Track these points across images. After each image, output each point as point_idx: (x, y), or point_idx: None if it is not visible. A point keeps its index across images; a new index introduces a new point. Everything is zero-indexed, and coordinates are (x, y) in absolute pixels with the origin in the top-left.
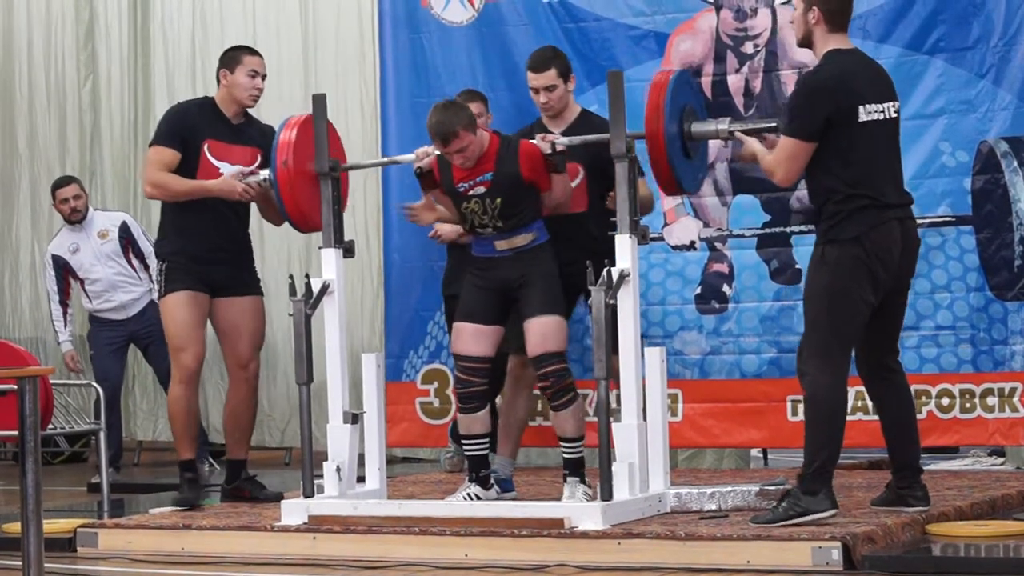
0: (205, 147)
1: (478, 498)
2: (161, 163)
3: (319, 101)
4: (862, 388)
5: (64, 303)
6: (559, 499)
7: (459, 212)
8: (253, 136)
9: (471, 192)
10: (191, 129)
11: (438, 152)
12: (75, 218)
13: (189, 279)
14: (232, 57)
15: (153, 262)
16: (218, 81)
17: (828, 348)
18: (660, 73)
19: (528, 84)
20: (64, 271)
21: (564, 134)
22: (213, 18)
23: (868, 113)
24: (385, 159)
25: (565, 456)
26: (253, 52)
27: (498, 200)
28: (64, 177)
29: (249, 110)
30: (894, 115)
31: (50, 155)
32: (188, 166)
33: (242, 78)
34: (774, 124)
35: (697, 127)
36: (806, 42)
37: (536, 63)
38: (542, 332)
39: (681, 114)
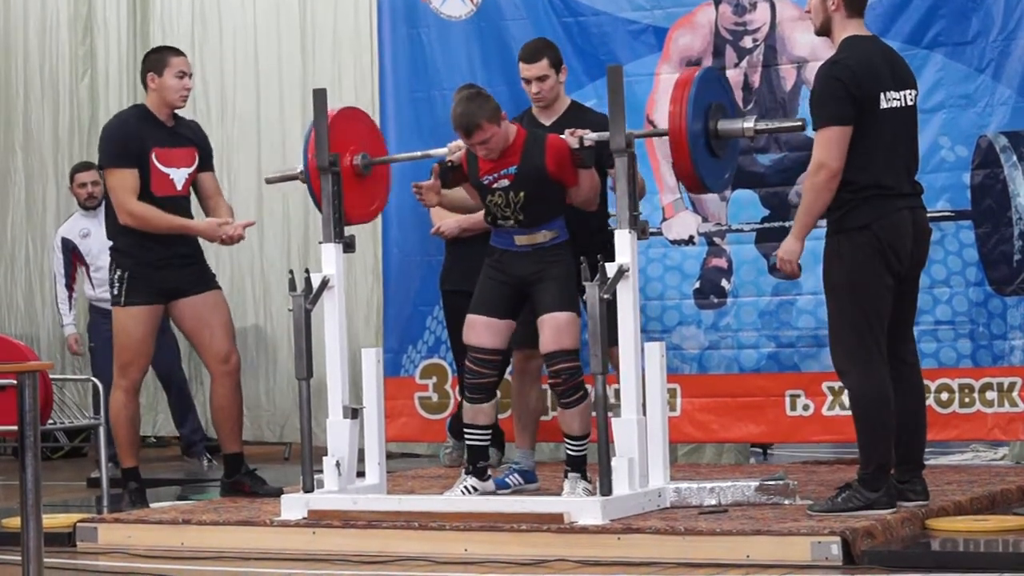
0: (153, 156)
1: (475, 490)
2: (128, 188)
3: (319, 96)
4: None
5: (70, 286)
6: (559, 494)
7: (484, 204)
8: (187, 135)
9: (495, 185)
10: (137, 141)
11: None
12: (90, 204)
13: (148, 291)
14: (158, 60)
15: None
16: (145, 86)
17: (862, 342)
18: (687, 70)
19: (520, 75)
20: (72, 255)
21: (554, 124)
22: (212, 13)
23: (888, 100)
24: (418, 153)
25: (569, 453)
26: (178, 52)
27: (521, 194)
28: (84, 162)
29: (178, 111)
30: (911, 103)
31: (45, 150)
32: (140, 178)
33: (171, 80)
34: (799, 123)
35: (723, 125)
36: (824, 30)
37: (527, 53)
38: (556, 329)
39: (707, 112)
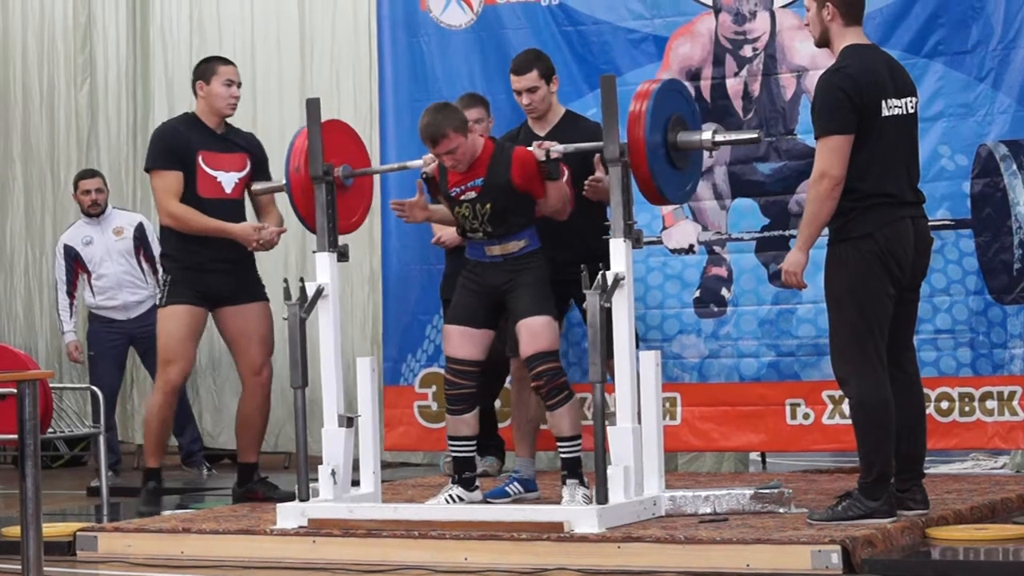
0: (199, 159)
1: (460, 499)
2: (170, 190)
3: (312, 106)
4: None
5: (71, 294)
6: (557, 502)
7: (453, 216)
8: (239, 143)
9: (462, 197)
10: (183, 145)
11: None
12: (94, 211)
13: (190, 293)
14: (207, 68)
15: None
16: (195, 93)
17: (863, 350)
18: (647, 82)
19: (511, 87)
20: (74, 262)
21: (549, 135)
22: (211, 22)
23: (890, 108)
24: (395, 164)
25: (563, 456)
26: (227, 62)
27: (488, 206)
28: (89, 169)
29: (228, 119)
30: (912, 111)
31: (43, 159)
32: (186, 180)
33: (219, 88)
34: (755, 135)
35: (683, 137)
36: (823, 40)
37: (518, 65)
38: (533, 332)
39: (667, 124)
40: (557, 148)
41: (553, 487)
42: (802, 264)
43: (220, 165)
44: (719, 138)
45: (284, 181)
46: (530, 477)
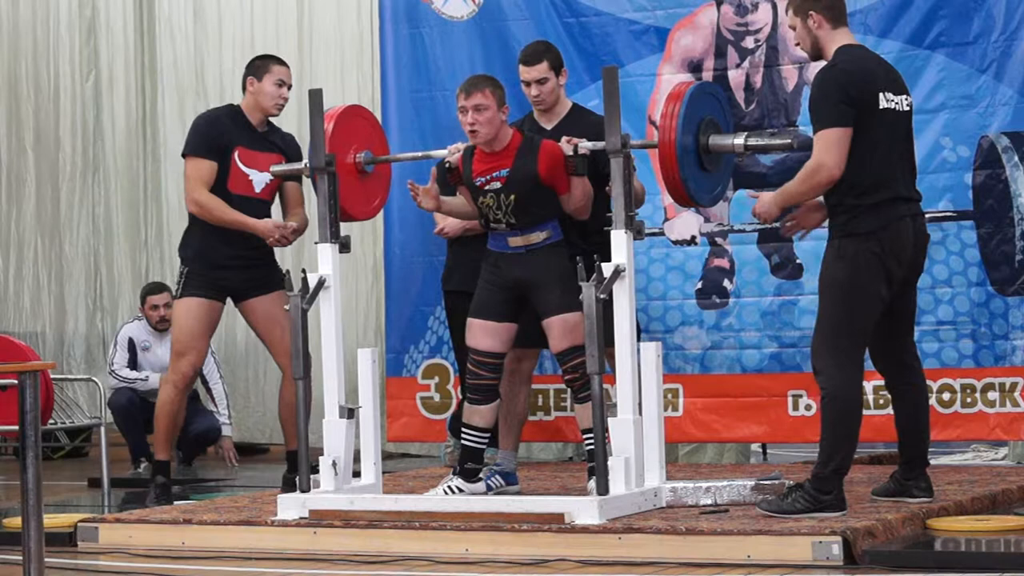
0: (235, 154)
1: (460, 491)
2: (201, 178)
3: (315, 96)
4: (867, 383)
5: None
6: (563, 493)
7: (476, 206)
8: (277, 143)
9: (487, 187)
10: (223, 137)
11: (467, 147)
12: (162, 327)
13: (206, 286)
14: (260, 66)
15: (219, 395)
16: (244, 88)
17: (844, 345)
18: (681, 83)
19: (520, 77)
20: (134, 351)
21: (556, 128)
22: (211, 14)
23: (888, 101)
24: (419, 153)
25: (590, 449)
26: (281, 62)
27: (512, 196)
28: (157, 284)
29: (271, 118)
30: (907, 108)
31: (52, 151)
32: (219, 173)
33: (269, 87)
34: (789, 141)
35: (715, 140)
36: (816, 51)
37: (528, 56)
38: (566, 327)
39: (698, 126)
40: (585, 144)
41: (555, 478)
42: (774, 215)
43: (255, 163)
44: (752, 142)
45: (305, 162)
46: (511, 470)
